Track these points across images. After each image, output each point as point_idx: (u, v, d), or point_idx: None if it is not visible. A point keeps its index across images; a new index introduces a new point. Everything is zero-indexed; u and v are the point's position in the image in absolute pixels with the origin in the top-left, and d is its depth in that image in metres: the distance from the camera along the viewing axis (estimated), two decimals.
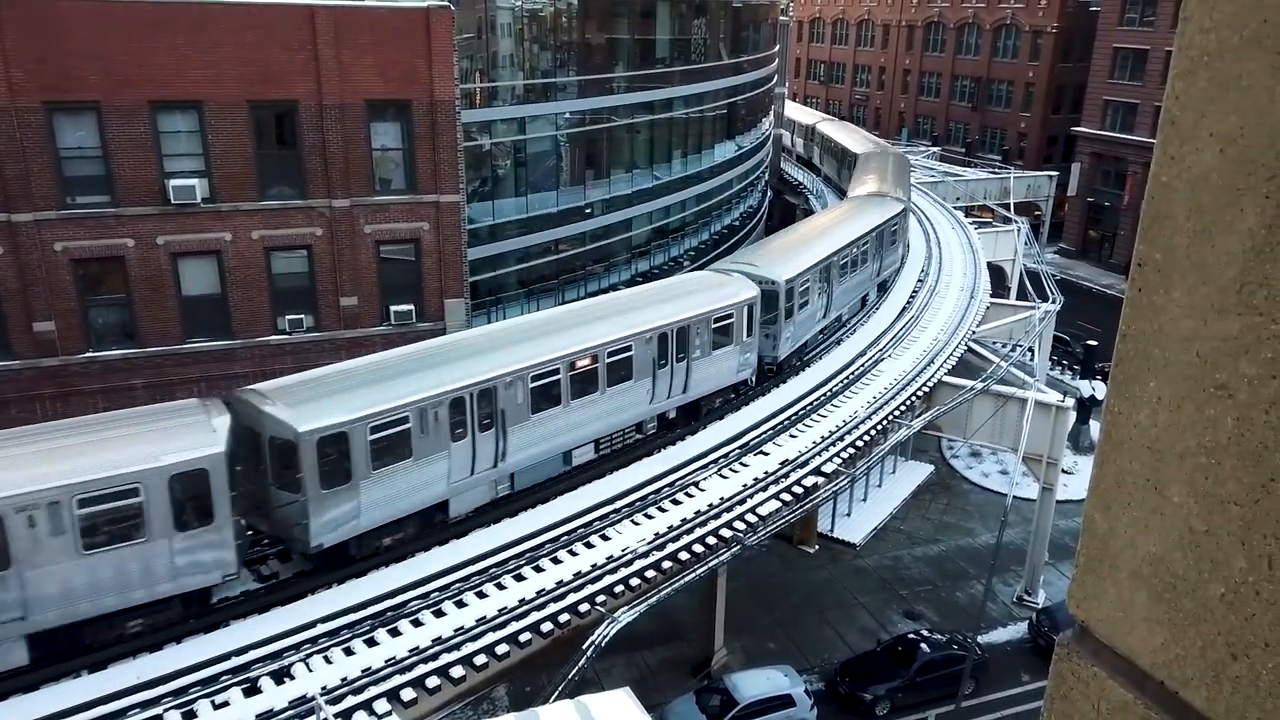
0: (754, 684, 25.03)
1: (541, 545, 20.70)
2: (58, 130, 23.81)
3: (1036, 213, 66.80)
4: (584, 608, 19.02)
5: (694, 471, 24.12)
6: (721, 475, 24.07)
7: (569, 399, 22.46)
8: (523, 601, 18.86)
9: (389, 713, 16.07)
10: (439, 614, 18.42)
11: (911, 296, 38.79)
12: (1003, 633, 30.65)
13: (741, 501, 22.81)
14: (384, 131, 27.19)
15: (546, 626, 18.46)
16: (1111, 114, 67.64)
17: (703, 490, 23.32)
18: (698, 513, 22.23)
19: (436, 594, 18.90)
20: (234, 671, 16.45)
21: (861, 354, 32.11)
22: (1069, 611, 1.73)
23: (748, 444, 25.62)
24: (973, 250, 46.61)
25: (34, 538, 15.52)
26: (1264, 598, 1.38)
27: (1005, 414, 30.86)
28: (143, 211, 24.80)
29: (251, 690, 16.20)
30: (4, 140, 23.11)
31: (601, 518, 21.88)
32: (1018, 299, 46.76)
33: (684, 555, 20.95)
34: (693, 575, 20.96)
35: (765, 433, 26.03)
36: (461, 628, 18.01)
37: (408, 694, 16.52)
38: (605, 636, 18.49)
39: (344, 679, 16.51)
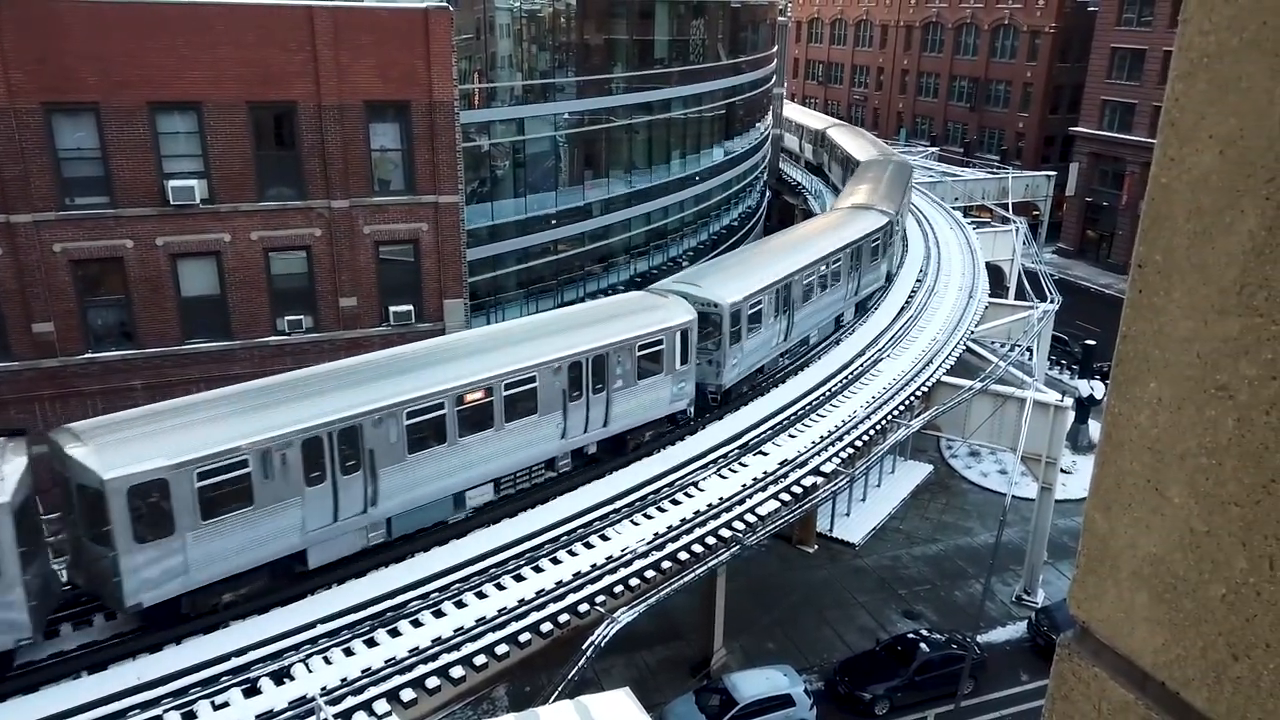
0: (753, 684, 25.03)
1: (541, 546, 20.70)
2: (57, 131, 23.79)
3: (1035, 212, 66.84)
4: (583, 608, 19.01)
5: (693, 471, 24.11)
6: (721, 475, 24.07)
7: (456, 436, 20.37)
8: (522, 602, 18.85)
9: (389, 713, 16.06)
10: (439, 614, 18.42)
11: (910, 296, 38.81)
12: (1002, 632, 30.66)
13: (741, 501, 22.80)
14: (383, 132, 27.18)
15: (546, 627, 18.45)
16: (1109, 114, 67.67)
17: (702, 490, 23.31)
18: (697, 513, 22.23)
19: (436, 594, 18.89)
20: (234, 672, 16.44)
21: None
22: (1070, 612, 1.73)
23: (747, 444, 25.63)
24: (971, 251, 46.61)
25: None
26: (1265, 598, 1.39)
27: (1004, 414, 30.87)
28: (142, 212, 24.78)
29: (251, 691, 16.19)
30: (3, 141, 23.09)
31: (601, 518, 21.87)
32: (1016, 299, 46.78)
33: (683, 555, 20.94)
34: (692, 575, 20.96)
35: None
36: (461, 628, 18.00)
37: (407, 694, 16.51)
38: (605, 637, 18.49)
39: (344, 679, 16.50)
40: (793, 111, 78.24)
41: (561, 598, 19.11)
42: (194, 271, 25.94)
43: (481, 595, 19.05)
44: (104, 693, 15.67)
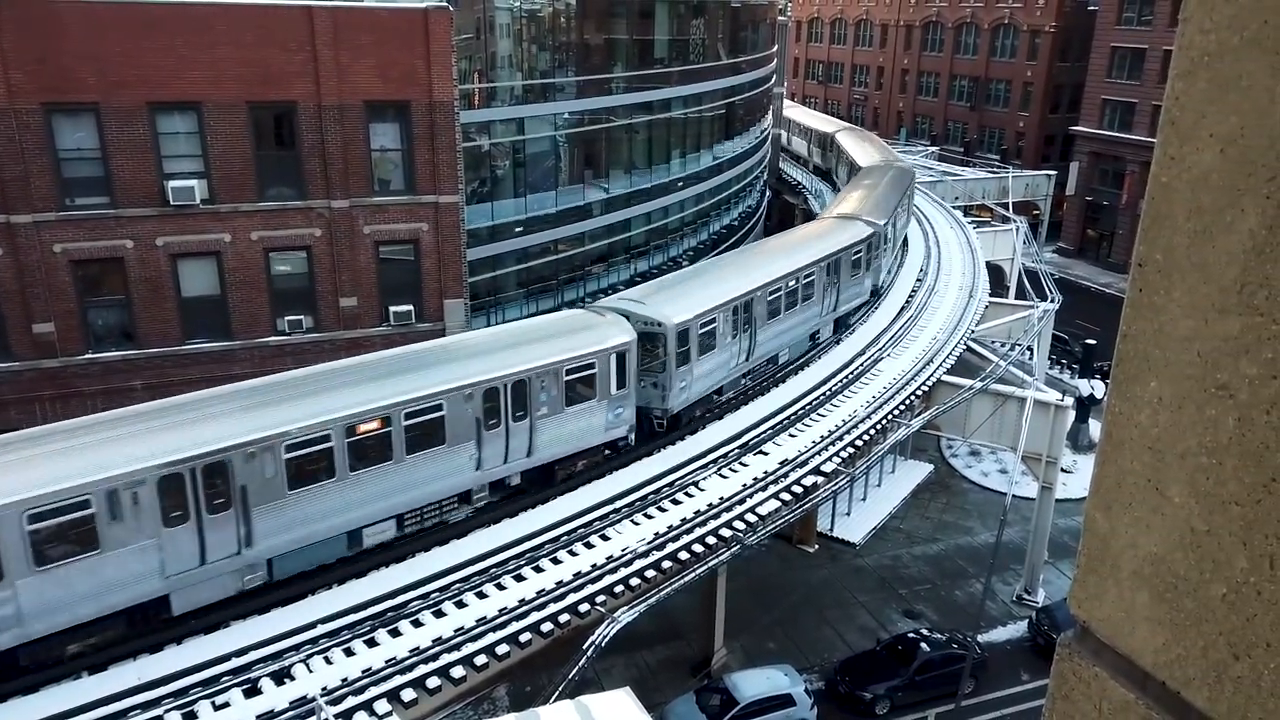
0: (754, 683, 25.03)
1: (541, 545, 20.70)
2: (56, 131, 23.80)
3: (1035, 212, 66.84)
4: (584, 608, 19.01)
5: (694, 471, 24.11)
6: (721, 475, 24.07)
7: (347, 470, 18.71)
8: (523, 602, 18.86)
9: (389, 713, 16.07)
10: (439, 614, 18.42)
11: (910, 296, 38.81)
12: (1002, 632, 30.65)
13: (741, 501, 22.80)
14: (383, 132, 27.18)
15: (546, 627, 18.46)
16: (1109, 113, 67.66)
17: (702, 490, 23.31)
18: (697, 512, 22.22)
19: (436, 594, 18.90)
20: (234, 672, 16.45)
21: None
22: (1070, 612, 1.73)
23: (747, 444, 25.63)
24: (971, 250, 46.61)
25: None
26: (1265, 598, 1.39)
27: (1004, 413, 30.86)
28: (142, 213, 24.79)
29: (252, 691, 16.20)
30: (3, 142, 23.09)
31: (601, 518, 21.87)
32: (1016, 298, 46.79)
33: (684, 555, 20.95)
34: (692, 575, 20.96)
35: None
36: (462, 628, 18.01)
37: (408, 694, 16.52)
38: (605, 636, 18.49)
39: (344, 679, 16.51)
40: (801, 115, 76.21)
41: (562, 598, 19.11)
42: (194, 272, 25.94)
43: (482, 595, 19.06)
44: (104, 693, 15.68)
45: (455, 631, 17.91)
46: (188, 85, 24.48)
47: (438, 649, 17.44)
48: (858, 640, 29.55)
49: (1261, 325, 1.37)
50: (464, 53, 32.22)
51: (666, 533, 21.39)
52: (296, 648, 17.14)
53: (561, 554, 20.51)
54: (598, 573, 19.89)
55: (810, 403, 28.22)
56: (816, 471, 24.56)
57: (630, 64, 40.06)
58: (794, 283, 30.01)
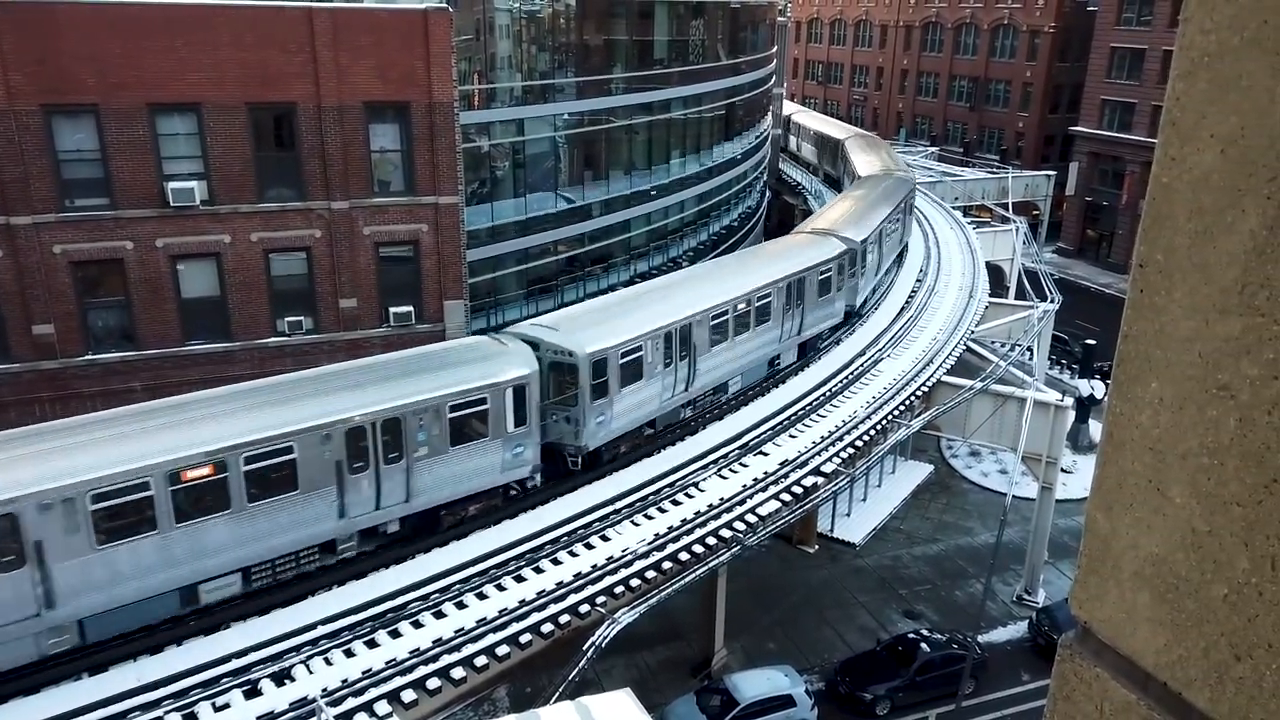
0: (754, 684, 25.03)
1: (541, 547, 20.70)
2: (56, 133, 23.80)
3: (1035, 212, 66.85)
4: (584, 609, 19.02)
5: (694, 472, 24.11)
6: (721, 476, 24.07)
7: (173, 521, 16.76)
8: (523, 603, 18.86)
9: (390, 714, 16.08)
10: (439, 615, 18.43)
11: (910, 296, 38.83)
12: (1002, 632, 30.65)
13: (741, 502, 22.81)
14: (383, 133, 27.19)
15: (547, 627, 18.47)
16: (1109, 113, 67.68)
17: (702, 491, 23.32)
18: (697, 513, 22.23)
19: (436, 595, 18.90)
20: (235, 673, 16.46)
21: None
22: (1071, 612, 1.73)
23: (747, 444, 25.63)
24: (971, 251, 46.64)
25: None
26: (1267, 598, 1.39)
27: (1004, 413, 30.86)
28: (142, 214, 24.79)
29: (252, 692, 16.21)
30: (2, 143, 23.09)
31: (601, 519, 21.88)
32: (1016, 298, 46.79)
33: (684, 556, 20.95)
34: (693, 576, 20.96)
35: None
36: (462, 629, 18.02)
37: (408, 695, 16.53)
38: (605, 637, 18.49)
39: (344, 680, 16.52)
40: (810, 120, 72.94)
41: (562, 598, 19.12)
42: (194, 273, 25.94)
43: (482, 596, 19.06)
44: (104, 694, 15.69)
45: (455, 633, 17.92)
46: (187, 86, 24.48)
47: (438, 650, 17.45)
48: (858, 641, 29.54)
49: (1263, 326, 1.37)
50: (464, 54, 32.23)
51: (666, 534, 21.39)
52: (297, 649, 17.15)
53: (561, 555, 20.52)
54: (598, 574, 19.89)
55: (806, 406, 28.20)
56: (816, 472, 24.57)
57: (630, 65, 40.07)
58: (745, 306, 27.76)
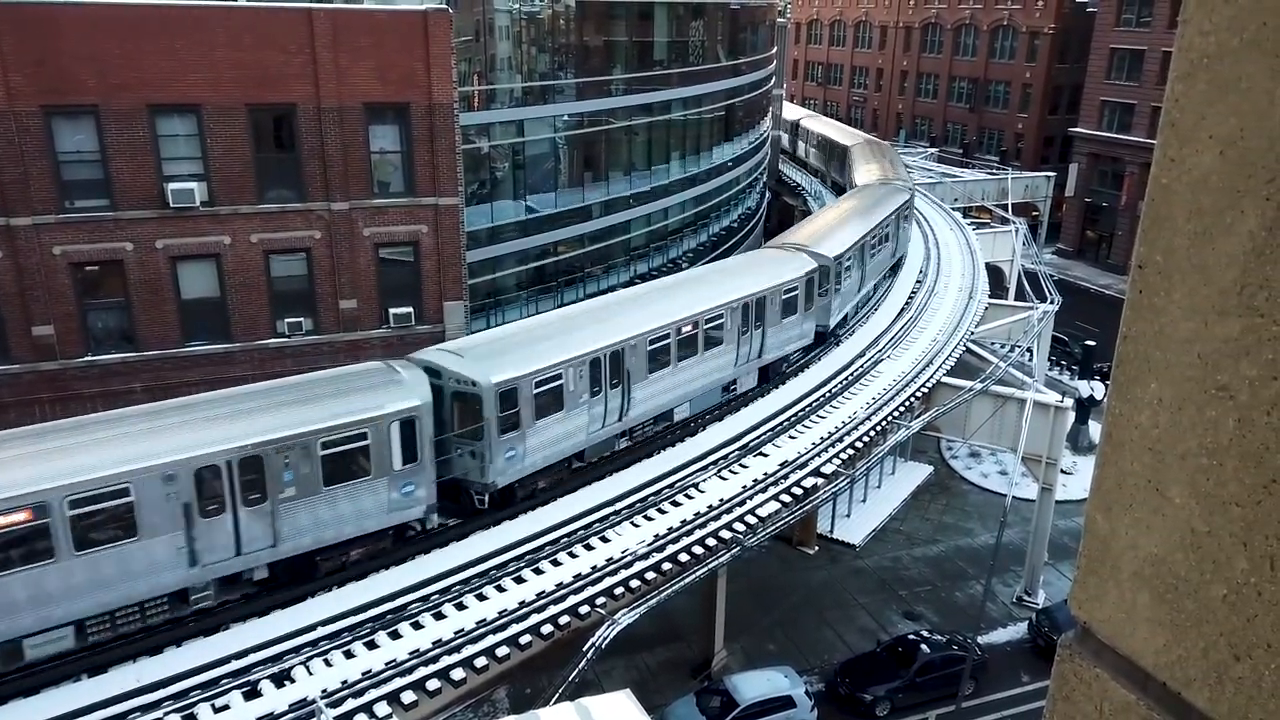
0: (754, 685, 25.03)
1: (541, 548, 20.69)
2: (56, 134, 23.80)
3: (1034, 213, 66.85)
4: (584, 610, 19.01)
5: (694, 473, 24.10)
6: (721, 477, 24.06)
7: None
8: (522, 604, 18.85)
9: (389, 715, 16.07)
10: (439, 616, 18.42)
11: (910, 297, 38.84)
12: (1002, 633, 30.65)
13: (741, 503, 22.81)
14: (382, 134, 27.19)
15: (546, 629, 18.46)
16: (1108, 114, 67.70)
17: (702, 492, 23.31)
18: (697, 514, 22.23)
19: (436, 596, 18.89)
20: (234, 675, 16.45)
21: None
22: (1071, 613, 1.73)
23: (747, 445, 25.63)
24: (971, 252, 46.66)
25: None
26: (1266, 599, 1.39)
27: (1004, 414, 30.87)
28: (141, 215, 24.79)
29: (251, 694, 16.20)
30: (2, 144, 23.10)
31: (601, 520, 21.87)
32: (1016, 299, 46.80)
33: (684, 557, 20.95)
34: (693, 577, 20.96)
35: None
36: (461, 630, 18.01)
37: (408, 696, 16.52)
38: (605, 638, 18.48)
39: (344, 682, 16.50)
40: (818, 124, 70.71)
41: (562, 600, 19.11)
42: (194, 274, 25.94)
43: (482, 597, 19.05)
44: (103, 695, 15.69)
45: (455, 634, 17.91)
46: (187, 87, 24.49)
47: (438, 651, 17.44)
48: (858, 642, 29.54)
49: (1261, 327, 1.37)
50: (463, 55, 32.24)
51: (666, 535, 21.38)
52: (296, 650, 17.14)
53: (561, 556, 20.51)
54: (597, 575, 19.88)
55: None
56: (816, 473, 24.57)
57: (630, 66, 40.09)
58: (691, 328, 25.67)
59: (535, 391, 21.52)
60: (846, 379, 30.27)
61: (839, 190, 59.14)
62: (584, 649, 18.29)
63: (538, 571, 19.95)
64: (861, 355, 32.35)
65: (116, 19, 23.77)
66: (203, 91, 24.64)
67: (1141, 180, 58.25)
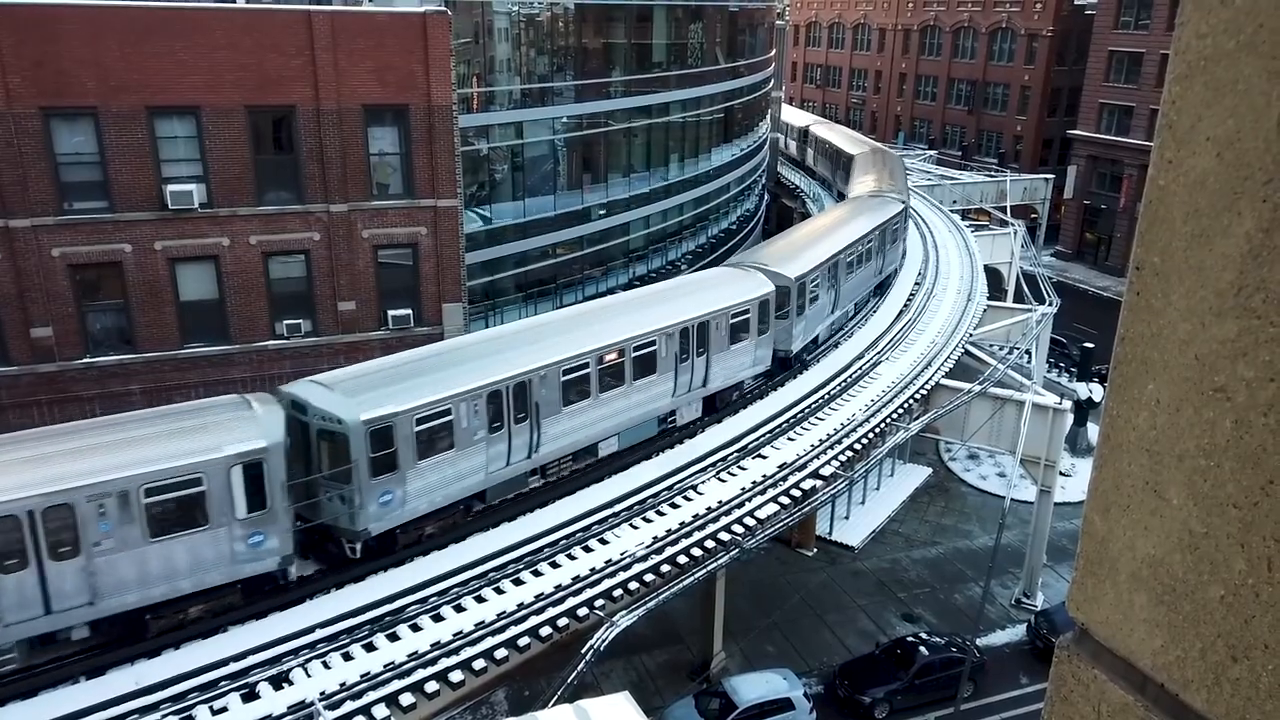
0: (753, 687, 25.01)
1: (540, 550, 20.68)
2: (55, 136, 23.79)
3: (1033, 215, 66.86)
4: (582, 612, 19.00)
5: (692, 475, 24.09)
6: (720, 479, 24.05)
7: None
8: (521, 606, 18.84)
9: (388, 718, 16.05)
10: (437, 619, 18.40)
11: (909, 299, 38.85)
12: (1001, 635, 30.64)
13: (740, 505, 22.80)
14: (381, 136, 27.19)
15: (545, 631, 18.44)
16: (1107, 117, 67.74)
17: (701, 494, 23.30)
18: (696, 516, 22.22)
19: (434, 599, 18.87)
20: (232, 677, 16.43)
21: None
22: (1069, 614, 1.73)
23: (745, 447, 25.62)
24: (970, 254, 46.68)
25: None
26: (1263, 600, 1.39)
27: (1003, 416, 30.88)
28: (140, 217, 24.78)
29: (250, 696, 16.18)
30: (1, 145, 23.08)
31: (600, 522, 21.85)
32: (1015, 301, 46.82)
33: (682, 559, 20.94)
34: (691, 579, 20.94)
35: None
36: (460, 632, 17.99)
37: (406, 699, 16.50)
38: (604, 640, 18.47)
39: (342, 684, 16.49)
40: (826, 131, 67.46)
41: (560, 602, 19.10)
42: (192, 276, 25.92)
43: (480, 599, 19.04)
44: (102, 698, 15.66)
45: (454, 636, 17.89)
46: (186, 89, 24.48)
47: (436, 653, 17.43)
48: (857, 644, 29.52)
49: (1258, 328, 1.37)
50: (462, 57, 32.24)
51: (665, 537, 21.37)
52: (294, 652, 17.12)
53: (560, 558, 20.50)
54: (596, 577, 19.87)
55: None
56: (815, 475, 24.56)
57: (628, 68, 40.10)
58: (616, 356, 23.69)
59: (418, 429, 19.42)
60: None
61: (844, 199, 56.88)
62: (583, 651, 18.28)
63: (536, 574, 19.91)
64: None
65: (116, 21, 23.76)
66: (202, 93, 24.63)
67: (1140, 182, 58.30)
